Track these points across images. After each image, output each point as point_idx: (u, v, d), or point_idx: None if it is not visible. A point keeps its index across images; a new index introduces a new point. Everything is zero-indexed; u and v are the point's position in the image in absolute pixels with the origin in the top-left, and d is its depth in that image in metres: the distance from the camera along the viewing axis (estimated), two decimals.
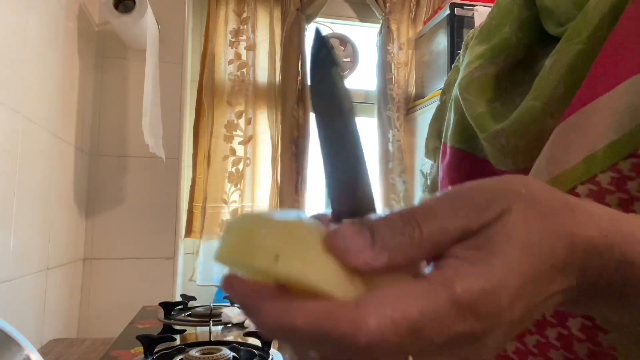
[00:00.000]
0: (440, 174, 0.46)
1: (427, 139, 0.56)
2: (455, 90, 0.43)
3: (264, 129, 2.02)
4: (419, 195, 0.64)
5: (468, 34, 0.53)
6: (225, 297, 1.45)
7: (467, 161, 0.42)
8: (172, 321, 1.20)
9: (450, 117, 0.45)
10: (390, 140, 2.13)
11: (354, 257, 0.20)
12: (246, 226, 0.21)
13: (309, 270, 0.19)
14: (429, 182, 0.57)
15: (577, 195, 0.30)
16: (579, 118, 0.31)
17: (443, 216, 0.21)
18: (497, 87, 0.41)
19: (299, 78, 2.06)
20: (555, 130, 0.32)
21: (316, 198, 2.20)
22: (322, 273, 0.19)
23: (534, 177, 0.32)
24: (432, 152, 0.56)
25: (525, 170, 0.35)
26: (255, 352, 0.91)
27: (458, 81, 0.43)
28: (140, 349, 0.90)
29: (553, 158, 0.32)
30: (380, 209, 0.24)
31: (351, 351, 0.18)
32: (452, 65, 0.54)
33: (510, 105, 0.39)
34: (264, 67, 2.04)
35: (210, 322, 1.16)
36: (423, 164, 0.60)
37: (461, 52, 0.52)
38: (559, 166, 0.31)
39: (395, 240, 0.20)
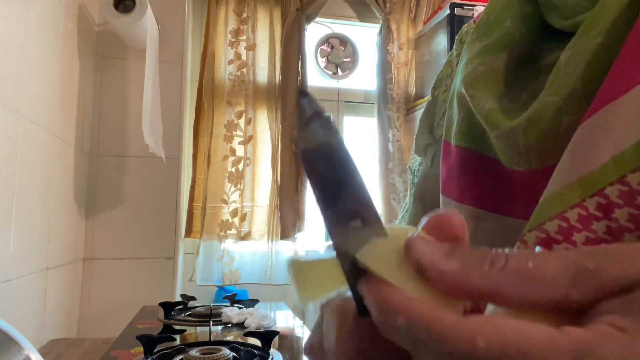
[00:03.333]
0: (444, 175, 0.44)
1: (418, 136, 0.55)
2: (459, 87, 0.42)
3: (264, 129, 2.02)
4: (408, 193, 0.62)
5: (462, 29, 0.52)
6: (225, 297, 1.45)
7: (475, 160, 0.40)
8: (172, 321, 1.20)
9: (453, 115, 0.43)
10: (390, 140, 2.13)
11: (424, 257, 0.19)
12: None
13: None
14: (416, 179, 0.55)
15: (606, 197, 0.29)
16: (605, 115, 0.29)
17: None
18: (504, 83, 0.40)
19: (299, 78, 2.06)
20: (580, 128, 0.31)
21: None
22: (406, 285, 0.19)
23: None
24: (422, 148, 0.54)
25: (541, 170, 0.34)
26: (255, 352, 0.91)
27: (462, 78, 0.41)
28: (140, 349, 0.90)
29: (578, 158, 0.30)
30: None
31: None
32: (445, 61, 0.53)
33: (516, 102, 0.38)
34: (264, 67, 2.04)
35: (210, 322, 1.16)
36: (411, 161, 0.59)
37: (454, 46, 0.51)
38: (585, 166, 0.30)
39: (473, 256, 0.19)
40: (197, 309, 1.28)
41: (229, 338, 1.07)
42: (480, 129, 0.39)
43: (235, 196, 1.96)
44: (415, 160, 0.56)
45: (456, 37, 0.51)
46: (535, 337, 0.16)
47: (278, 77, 2.05)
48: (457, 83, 0.43)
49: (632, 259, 0.18)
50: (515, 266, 0.18)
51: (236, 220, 1.95)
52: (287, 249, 2.01)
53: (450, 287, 0.19)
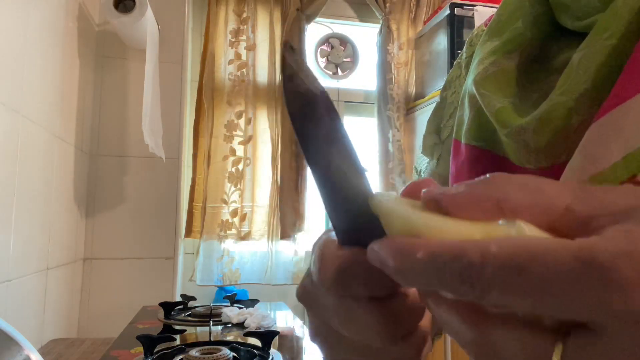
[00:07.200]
0: (453, 172, 0.44)
1: (425, 136, 0.55)
2: (470, 87, 0.42)
3: (264, 129, 2.02)
4: None
5: (472, 32, 0.52)
6: (225, 297, 1.45)
7: (484, 159, 0.41)
8: (172, 321, 1.20)
9: (464, 114, 0.44)
10: (390, 140, 2.13)
11: (435, 191, 0.21)
12: None
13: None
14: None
15: None
16: (617, 115, 0.30)
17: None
18: (514, 83, 0.40)
19: None
20: (591, 128, 0.31)
21: (316, 198, 2.20)
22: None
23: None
24: (429, 148, 0.55)
25: (550, 168, 0.35)
26: (255, 352, 0.91)
27: (473, 77, 0.42)
28: (140, 349, 0.90)
29: (590, 156, 0.31)
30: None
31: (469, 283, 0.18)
32: (454, 62, 0.53)
33: (527, 101, 0.39)
34: (264, 67, 2.04)
35: (210, 322, 1.16)
36: (418, 161, 0.59)
37: (464, 49, 0.52)
38: (597, 165, 0.30)
39: (476, 180, 0.21)
40: (197, 309, 1.28)
41: (229, 338, 1.07)
42: (490, 127, 0.40)
43: (235, 196, 1.96)
44: (422, 160, 0.56)
45: (466, 39, 0.52)
46: (545, 241, 0.17)
47: (278, 77, 2.04)
48: (469, 83, 0.44)
49: (634, 191, 0.19)
50: (519, 180, 0.20)
51: (236, 220, 1.95)
52: (287, 249, 2.01)
53: (463, 205, 0.20)
